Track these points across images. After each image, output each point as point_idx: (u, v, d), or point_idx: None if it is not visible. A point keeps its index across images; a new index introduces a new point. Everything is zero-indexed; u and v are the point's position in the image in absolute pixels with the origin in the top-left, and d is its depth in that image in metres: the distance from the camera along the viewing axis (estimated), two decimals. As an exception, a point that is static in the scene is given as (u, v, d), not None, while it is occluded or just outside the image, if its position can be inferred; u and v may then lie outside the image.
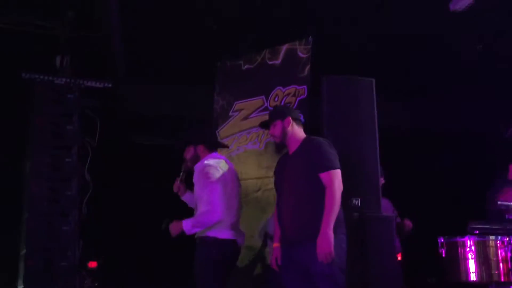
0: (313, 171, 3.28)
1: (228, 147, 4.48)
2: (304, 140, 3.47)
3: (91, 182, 4.04)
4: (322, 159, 3.29)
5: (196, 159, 3.79)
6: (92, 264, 5.24)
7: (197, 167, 3.74)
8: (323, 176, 3.25)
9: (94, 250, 4.80)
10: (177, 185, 3.89)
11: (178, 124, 6.30)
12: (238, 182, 3.85)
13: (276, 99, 4.66)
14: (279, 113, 3.55)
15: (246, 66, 5.00)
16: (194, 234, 3.66)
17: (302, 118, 3.60)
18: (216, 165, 3.65)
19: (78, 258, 3.98)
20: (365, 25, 5.49)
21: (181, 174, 3.87)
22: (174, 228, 3.61)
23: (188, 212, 3.87)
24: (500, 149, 5.96)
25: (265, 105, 4.73)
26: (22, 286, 3.99)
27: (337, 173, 3.27)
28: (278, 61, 4.76)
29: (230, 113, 4.96)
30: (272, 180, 4.19)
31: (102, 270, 5.44)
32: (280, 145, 3.64)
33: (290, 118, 3.48)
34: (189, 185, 3.86)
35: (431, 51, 6.03)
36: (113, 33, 5.35)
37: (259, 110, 4.76)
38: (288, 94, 4.59)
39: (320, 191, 3.24)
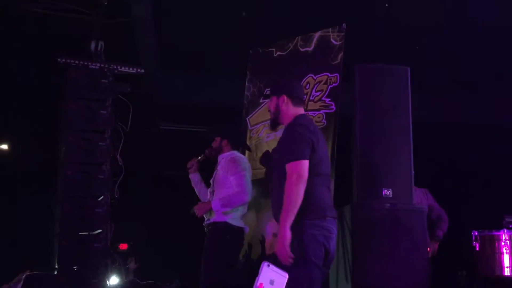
0: (283, 159, 3.08)
1: (250, 151, 4.65)
2: (293, 120, 3.21)
3: (123, 165, 4.09)
4: (287, 148, 3.06)
5: (219, 150, 4.10)
6: (123, 246, 5.35)
7: (224, 156, 4.06)
8: (286, 167, 3.00)
9: (125, 233, 4.88)
10: (193, 162, 4.19)
11: (208, 111, 6.33)
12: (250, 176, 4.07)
13: (307, 86, 4.61)
14: (275, 89, 3.34)
15: (278, 53, 4.96)
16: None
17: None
18: (243, 159, 4.06)
19: (110, 240, 4.06)
20: (401, 13, 5.37)
21: (202, 155, 4.17)
22: (201, 208, 3.90)
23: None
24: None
25: (297, 92, 4.68)
26: (57, 266, 4.11)
27: (298, 164, 2.98)
28: (310, 48, 4.71)
29: (261, 100, 4.94)
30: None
31: (132, 251, 5.56)
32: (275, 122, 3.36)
33: (285, 96, 3.23)
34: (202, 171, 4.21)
35: (468, 41, 5.87)
36: (146, 20, 5.38)
37: (290, 97, 4.72)
38: (319, 82, 4.54)
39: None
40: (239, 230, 3.89)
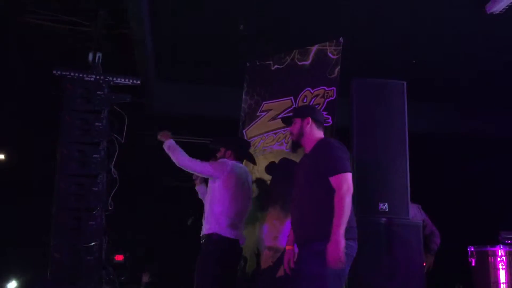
0: (322, 174, 3.21)
1: (255, 164, 4.57)
2: (318, 142, 3.41)
3: (117, 177, 4.08)
4: (332, 162, 3.21)
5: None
6: (119, 258, 5.32)
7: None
8: (332, 179, 3.17)
9: (120, 244, 4.86)
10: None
11: (205, 123, 6.33)
12: (250, 188, 4.09)
13: (305, 100, 4.61)
14: (300, 112, 3.54)
15: (275, 67, 4.97)
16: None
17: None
18: (232, 165, 3.99)
19: (104, 253, 4.03)
20: (396, 27, 5.40)
21: None
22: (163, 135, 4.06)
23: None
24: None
25: (294, 106, 4.69)
26: (50, 278, 4.07)
27: (346, 177, 3.16)
28: (307, 62, 4.72)
29: (258, 113, 4.94)
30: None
31: (127, 263, 5.52)
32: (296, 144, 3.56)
33: (310, 119, 3.44)
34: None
35: (464, 54, 5.91)
36: (144, 31, 5.39)
37: (287, 110, 4.72)
38: (317, 95, 4.54)
39: (327, 194, 3.16)
40: (234, 242, 3.86)
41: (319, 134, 3.47)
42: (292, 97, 4.71)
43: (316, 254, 3.06)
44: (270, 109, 4.87)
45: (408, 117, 4.17)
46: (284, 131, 4.68)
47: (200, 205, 4.11)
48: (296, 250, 3.39)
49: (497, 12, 4.84)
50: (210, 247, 3.81)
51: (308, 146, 3.43)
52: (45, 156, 4.85)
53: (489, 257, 4.16)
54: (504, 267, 4.05)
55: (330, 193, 3.16)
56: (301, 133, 3.44)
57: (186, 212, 3.98)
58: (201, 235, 3.92)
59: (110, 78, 4.35)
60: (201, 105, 6.86)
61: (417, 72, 5.98)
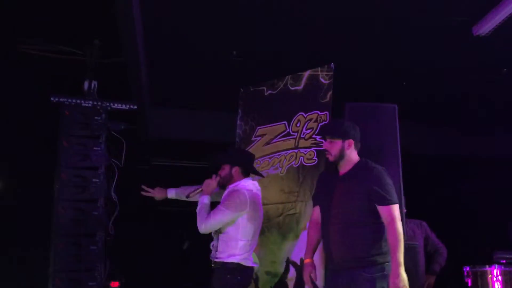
0: (370, 201, 3.20)
1: (263, 177, 4.32)
2: (360, 164, 3.35)
3: (117, 202, 4.10)
4: (383, 191, 3.20)
5: (229, 178, 3.85)
6: (114, 284, 5.26)
7: (230, 187, 3.82)
8: (384, 209, 3.17)
9: (117, 269, 4.84)
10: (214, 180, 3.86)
11: (201, 148, 6.37)
12: (261, 208, 3.89)
13: (298, 124, 4.69)
14: (343, 132, 3.37)
15: (268, 92, 5.06)
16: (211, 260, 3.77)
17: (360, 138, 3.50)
18: (248, 194, 3.72)
19: (105, 278, 4.02)
20: (387, 52, 5.53)
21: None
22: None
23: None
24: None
25: (287, 130, 4.77)
26: None
27: (397, 208, 3.21)
28: (300, 87, 4.81)
29: (253, 138, 5.01)
30: (296, 204, 4.20)
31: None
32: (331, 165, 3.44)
33: (353, 141, 3.34)
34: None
35: (452, 76, 6.04)
36: (138, 59, 5.48)
37: (281, 135, 4.80)
38: (310, 120, 4.62)
39: (374, 221, 3.19)
40: (250, 270, 3.74)
41: (356, 154, 3.38)
42: (285, 122, 4.80)
43: (367, 280, 3.11)
44: (265, 134, 4.94)
45: (401, 138, 4.25)
46: (278, 155, 4.76)
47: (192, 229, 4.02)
48: (316, 263, 3.43)
49: (483, 34, 4.97)
50: (226, 278, 3.65)
51: (346, 167, 3.35)
52: (42, 182, 4.86)
53: (485, 277, 4.19)
54: (500, 286, 4.07)
55: (378, 220, 3.19)
56: (341, 156, 3.33)
57: (180, 237, 3.94)
58: (212, 258, 3.78)
59: (107, 104, 4.41)
60: (196, 130, 6.93)
61: (409, 94, 6.10)
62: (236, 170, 3.84)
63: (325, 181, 3.50)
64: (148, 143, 6.83)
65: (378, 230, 3.19)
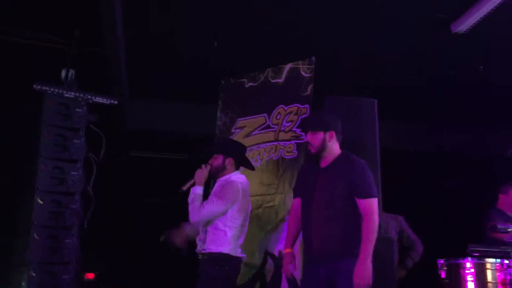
0: (351, 193, 3.24)
1: (254, 169, 4.24)
2: (342, 156, 3.38)
3: (94, 196, 4.06)
4: (364, 185, 3.24)
5: (222, 169, 3.82)
6: (89, 276, 5.24)
7: (222, 179, 3.82)
8: (362, 202, 3.21)
9: (93, 262, 4.81)
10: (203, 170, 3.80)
11: (182, 140, 6.35)
12: (249, 201, 3.90)
13: (278, 117, 4.71)
14: (324, 124, 3.41)
15: (249, 84, 5.07)
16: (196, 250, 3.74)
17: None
18: (237, 185, 3.73)
19: (79, 271, 4.00)
20: (367, 46, 5.56)
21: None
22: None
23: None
24: (503, 172, 5.98)
25: (267, 123, 4.79)
26: None
27: (376, 202, 3.25)
28: (281, 80, 4.83)
29: (233, 130, 5.02)
30: (275, 197, 4.21)
31: (99, 281, 5.44)
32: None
33: (334, 133, 3.38)
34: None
35: (431, 73, 6.11)
36: (118, 50, 5.43)
37: (261, 127, 4.82)
38: (290, 113, 4.64)
39: (355, 213, 3.22)
40: (238, 260, 3.73)
41: (337, 146, 3.41)
42: (266, 114, 4.81)
43: (347, 271, 3.12)
44: (245, 126, 4.95)
45: (380, 133, 4.30)
46: (258, 147, 4.77)
47: (168, 221, 3.98)
48: (295, 253, 3.44)
49: (462, 32, 5.03)
50: (213, 269, 3.63)
51: (328, 159, 3.37)
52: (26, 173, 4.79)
53: (459, 270, 4.26)
54: (472, 279, 4.14)
55: (357, 213, 3.22)
56: (323, 148, 3.35)
57: (157, 229, 3.91)
58: (198, 250, 3.74)
59: (89, 97, 4.35)
60: (175, 122, 6.89)
61: (388, 90, 6.16)
62: (229, 161, 3.82)
63: (306, 173, 3.52)
64: (126, 134, 6.78)
65: (357, 222, 3.22)
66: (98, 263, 5.78)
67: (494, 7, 4.58)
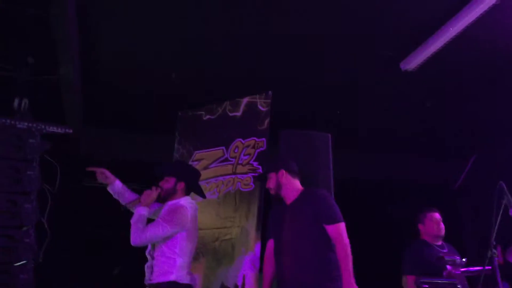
0: (319, 223, 3.36)
1: (205, 197, 4.27)
2: (304, 191, 3.54)
3: (48, 229, 3.95)
4: (331, 212, 3.39)
5: (172, 193, 3.77)
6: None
7: (171, 203, 3.73)
8: (331, 228, 3.34)
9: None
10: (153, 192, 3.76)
11: (135, 169, 6.25)
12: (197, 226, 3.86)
13: (236, 150, 4.76)
14: (273, 166, 3.62)
15: (207, 117, 5.11)
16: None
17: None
18: (191, 211, 3.68)
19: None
20: (318, 80, 5.70)
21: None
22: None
23: (141, 259, 3.83)
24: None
25: (225, 156, 4.82)
26: None
27: (344, 226, 3.38)
28: (238, 113, 4.89)
29: (190, 162, 5.02)
30: (232, 230, 4.25)
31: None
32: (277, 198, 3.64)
33: (284, 171, 3.55)
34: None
35: (383, 107, 6.33)
36: (72, 78, 5.36)
37: (219, 160, 4.85)
38: (247, 146, 4.70)
39: (324, 243, 3.34)
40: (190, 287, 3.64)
41: (296, 183, 3.60)
42: (224, 147, 4.85)
43: None
44: (202, 159, 4.97)
45: (334, 164, 4.42)
46: (215, 180, 4.79)
47: (124, 253, 3.88)
48: None
49: (410, 70, 5.27)
50: None
51: (290, 196, 3.54)
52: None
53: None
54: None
55: (328, 240, 3.34)
56: (279, 186, 3.54)
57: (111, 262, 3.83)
58: (146, 283, 3.67)
59: (43, 126, 4.26)
60: (130, 151, 6.81)
61: (343, 123, 6.34)
62: (181, 185, 3.76)
63: (275, 214, 3.66)
64: (80, 163, 6.64)
65: (326, 255, 3.33)
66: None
67: (442, 46, 4.82)
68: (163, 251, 3.63)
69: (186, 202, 3.73)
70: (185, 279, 3.61)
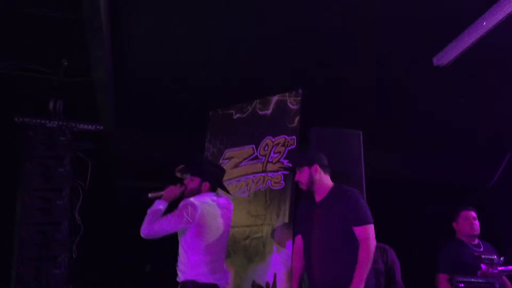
0: (347, 223, 3.32)
1: (230, 194, 4.23)
2: (334, 189, 3.50)
3: (81, 224, 4.01)
4: (360, 213, 3.33)
5: (197, 192, 3.74)
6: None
7: (184, 200, 3.69)
8: (358, 229, 3.29)
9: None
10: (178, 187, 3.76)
11: (167, 170, 6.31)
12: (225, 225, 3.79)
13: (266, 148, 4.75)
14: (306, 159, 3.57)
15: (237, 116, 5.12)
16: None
17: (327, 162, 3.61)
18: (201, 208, 3.59)
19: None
20: (356, 77, 5.64)
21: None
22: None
23: (173, 257, 3.84)
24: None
25: (255, 154, 4.82)
26: None
27: (372, 228, 3.33)
28: (268, 112, 4.88)
29: (221, 161, 5.03)
30: (262, 228, 4.23)
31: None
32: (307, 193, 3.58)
33: (318, 166, 3.51)
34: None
35: (416, 106, 6.22)
36: (105, 80, 5.44)
37: (249, 158, 4.85)
38: (277, 144, 4.69)
39: (353, 243, 3.29)
40: (212, 287, 3.56)
41: (328, 179, 3.56)
42: (253, 145, 4.85)
43: None
44: (232, 157, 4.98)
45: (365, 163, 4.36)
46: (246, 178, 4.79)
47: (156, 251, 3.88)
48: None
49: (443, 65, 5.16)
50: None
51: (321, 192, 3.51)
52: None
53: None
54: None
55: (355, 243, 3.29)
56: (311, 182, 3.51)
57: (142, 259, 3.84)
58: (178, 281, 3.64)
59: (73, 124, 4.36)
60: (163, 152, 6.87)
61: (375, 121, 6.26)
62: (206, 185, 3.76)
63: (304, 209, 3.64)
64: (113, 164, 6.74)
65: (354, 255, 3.28)
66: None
67: (475, 41, 4.70)
68: (180, 248, 3.65)
69: (198, 199, 3.65)
70: (205, 278, 3.55)
